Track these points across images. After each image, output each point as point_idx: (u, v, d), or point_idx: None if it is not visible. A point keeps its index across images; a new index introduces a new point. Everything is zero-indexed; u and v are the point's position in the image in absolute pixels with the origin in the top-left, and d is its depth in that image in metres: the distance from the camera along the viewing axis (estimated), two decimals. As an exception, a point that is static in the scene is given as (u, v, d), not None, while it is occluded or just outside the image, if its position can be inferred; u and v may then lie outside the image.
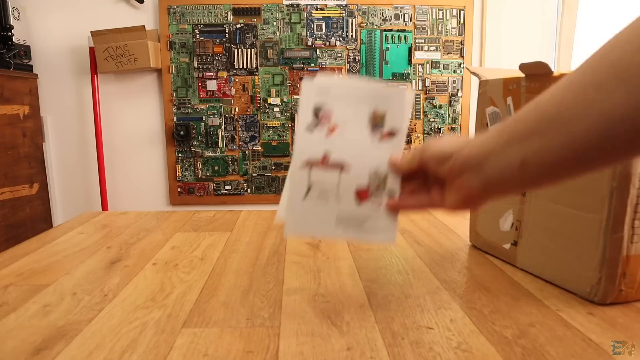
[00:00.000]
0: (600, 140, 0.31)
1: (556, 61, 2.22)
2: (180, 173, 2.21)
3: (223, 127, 2.19)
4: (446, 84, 2.19)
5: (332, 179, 0.49)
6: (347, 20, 2.14)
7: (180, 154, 2.20)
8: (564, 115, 0.32)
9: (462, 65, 2.19)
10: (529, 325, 0.49)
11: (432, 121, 2.21)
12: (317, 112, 0.50)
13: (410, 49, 2.17)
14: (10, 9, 1.91)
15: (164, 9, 2.10)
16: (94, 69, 2.06)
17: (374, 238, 0.46)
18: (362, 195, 0.48)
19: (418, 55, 2.18)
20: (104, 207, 2.15)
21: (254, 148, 2.20)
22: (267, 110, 2.18)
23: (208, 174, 2.22)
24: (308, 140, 0.50)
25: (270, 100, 2.17)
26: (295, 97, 2.18)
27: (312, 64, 2.16)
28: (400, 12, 2.15)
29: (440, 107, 2.21)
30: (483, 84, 0.72)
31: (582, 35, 2.15)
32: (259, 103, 2.17)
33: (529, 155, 0.35)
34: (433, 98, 2.20)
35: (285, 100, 2.18)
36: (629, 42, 0.30)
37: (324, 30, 2.14)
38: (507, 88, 0.66)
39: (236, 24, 2.12)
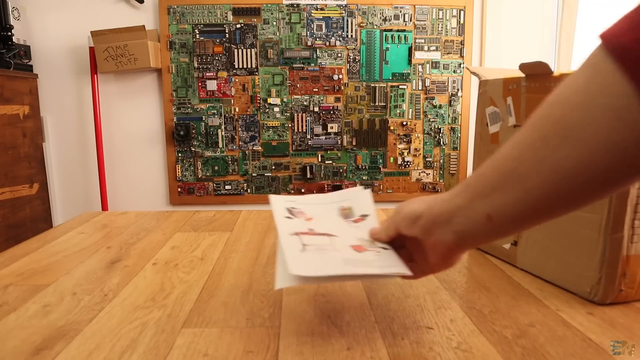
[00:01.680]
0: (553, 194, 0.34)
1: (556, 61, 2.21)
2: (180, 173, 2.21)
3: (223, 127, 2.19)
4: (446, 84, 2.19)
5: (323, 241, 0.49)
6: (347, 20, 2.14)
7: (180, 154, 2.20)
8: (518, 171, 0.35)
9: (462, 65, 2.19)
10: (529, 325, 0.49)
11: (432, 121, 2.21)
12: (291, 212, 0.54)
13: (410, 49, 2.17)
14: (10, 9, 1.91)
15: (164, 9, 2.10)
16: (94, 69, 2.06)
17: (388, 270, 0.45)
18: (358, 249, 0.48)
19: (418, 55, 2.18)
20: (104, 207, 2.15)
21: (254, 148, 2.20)
22: (267, 110, 2.18)
23: (208, 174, 2.22)
24: (290, 223, 0.52)
25: (270, 100, 2.17)
26: (295, 97, 2.18)
27: (312, 64, 2.16)
28: (400, 12, 2.15)
29: (440, 107, 2.21)
30: (483, 84, 0.72)
31: (582, 35, 2.15)
32: (259, 103, 2.17)
33: (493, 209, 0.37)
34: (433, 98, 2.20)
35: (285, 100, 2.18)
36: (567, 100, 0.32)
37: (324, 30, 2.14)
38: (507, 88, 0.66)
39: (236, 24, 2.12)
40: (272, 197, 0.56)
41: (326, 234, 0.50)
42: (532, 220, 0.38)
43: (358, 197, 0.57)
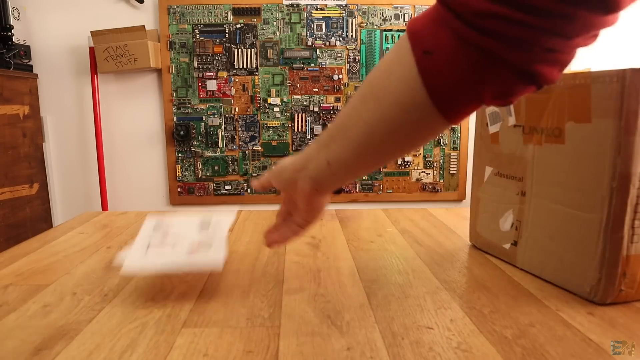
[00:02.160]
0: (367, 142, 0.42)
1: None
2: (180, 173, 2.21)
3: (223, 127, 2.19)
4: (446, 84, 2.19)
5: (166, 249, 0.60)
6: (347, 20, 2.14)
7: (180, 154, 2.20)
8: (345, 124, 0.43)
9: (462, 65, 2.19)
10: (529, 325, 0.49)
11: (432, 121, 2.21)
12: (156, 227, 0.65)
13: (410, 49, 2.17)
14: (10, 9, 1.91)
15: (164, 9, 2.10)
16: (94, 69, 2.06)
17: (201, 267, 0.57)
18: (192, 252, 0.59)
19: (418, 55, 2.18)
20: (104, 207, 2.15)
21: (254, 148, 2.20)
22: (267, 110, 2.18)
23: (208, 174, 2.22)
24: (148, 238, 0.63)
25: (270, 100, 2.17)
26: (295, 97, 2.18)
27: (312, 64, 2.16)
28: (400, 12, 2.15)
29: (440, 107, 2.21)
30: (483, 84, 0.72)
31: (582, 35, 2.14)
32: (259, 103, 2.17)
33: (330, 156, 0.45)
34: (433, 98, 2.20)
35: (285, 100, 2.17)
36: (381, 67, 0.40)
37: (324, 30, 2.14)
38: (507, 88, 0.66)
39: (236, 24, 2.12)
40: (147, 217, 0.68)
41: (171, 244, 0.61)
42: (359, 166, 0.45)
43: (221, 214, 0.70)
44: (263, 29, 2.13)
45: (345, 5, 2.13)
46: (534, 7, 0.31)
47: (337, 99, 2.18)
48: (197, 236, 0.63)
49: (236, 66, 2.14)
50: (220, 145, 2.20)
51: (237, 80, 2.15)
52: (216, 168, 2.21)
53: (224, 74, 2.15)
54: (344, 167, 0.45)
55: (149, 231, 0.64)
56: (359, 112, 0.42)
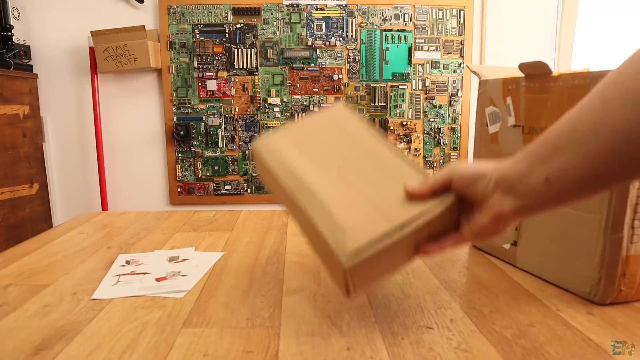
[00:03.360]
0: (612, 157, 0.34)
1: (556, 61, 2.21)
2: (180, 173, 2.21)
3: (223, 127, 2.19)
4: (446, 84, 2.19)
5: (136, 277, 0.63)
6: (347, 20, 2.14)
7: (180, 154, 2.20)
8: (579, 134, 0.35)
9: (462, 65, 2.19)
10: (529, 325, 0.49)
11: (432, 121, 2.21)
12: (127, 262, 0.69)
13: (410, 49, 2.17)
14: (10, 9, 1.91)
15: (164, 9, 2.10)
16: (94, 69, 2.06)
17: (168, 294, 0.58)
18: (160, 279, 0.62)
19: (418, 55, 2.18)
20: (104, 207, 2.14)
21: (254, 148, 2.20)
22: (267, 110, 2.18)
23: (208, 174, 2.22)
24: (120, 269, 0.67)
25: (270, 100, 2.17)
26: (295, 97, 2.18)
27: (312, 64, 2.16)
28: (400, 12, 2.15)
29: (440, 107, 2.21)
30: (483, 83, 0.72)
31: (582, 35, 2.15)
32: (259, 103, 2.17)
33: (551, 172, 0.37)
34: (433, 98, 2.20)
35: (285, 100, 2.17)
36: (632, 65, 0.33)
37: (324, 30, 2.14)
38: (507, 88, 0.66)
39: (236, 24, 2.12)
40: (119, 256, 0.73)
41: (141, 273, 0.64)
42: (591, 186, 0.37)
43: (193, 254, 0.74)
44: (263, 29, 2.13)
45: (345, 5, 2.13)
46: None
47: (337, 99, 2.18)
48: (167, 267, 0.66)
49: (236, 66, 2.14)
50: (220, 145, 2.20)
51: (237, 80, 2.15)
52: (216, 168, 2.21)
53: (224, 74, 2.15)
54: (571, 187, 0.37)
55: (119, 266, 0.68)
56: (599, 118, 0.34)
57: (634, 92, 0.32)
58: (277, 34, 2.13)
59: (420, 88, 2.19)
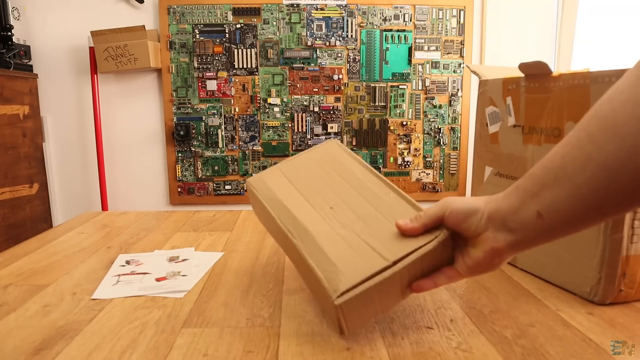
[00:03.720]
0: (602, 191, 0.34)
1: (556, 61, 2.21)
2: (180, 173, 2.21)
3: (223, 127, 2.19)
4: (446, 84, 2.19)
5: (136, 277, 0.63)
6: (347, 20, 2.14)
7: (180, 154, 2.20)
8: (567, 168, 0.35)
9: (462, 65, 2.19)
10: (529, 325, 0.49)
11: (432, 121, 2.21)
12: (127, 262, 0.69)
13: (410, 49, 2.17)
14: (10, 9, 1.91)
15: (164, 9, 2.10)
16: (94, 69, 2.06)
17: (168, 294, 0.57)
18: (160, 279, 0.61)
19: (418, 55, 2.18)
20: (104, 207, 2.14)
21: (254, 148, 2.20)
22: (267, 110, 2.18)
23: (208, 174, 2.22)
24: (120, 269, 0.66)
25: (270, 100, 2.17)
26: (295, 97, 2.18)
27: (312, 64, 2.16)
28: (400, 12, 2.15)
29: (440, 107, 2.21)
30: (483, 84, 0.72)
31: (582, 35, 2.15)
32: (259, 103, 2.17)
33: (542, 207, 0.37)
34: (433, 98, 2.20)
35: (285, 100, 2.17)
36: (614, 98, 0.33)
37: (324, 30, 2.14)
38: (507, 88, 0.66)
39: (236, 24, 2.12)
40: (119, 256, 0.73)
41: (141, 273, 0.64)
42: (583, 219, 0.37)
43: (192, 254, 0.73)
44: (263, 29, 2.13)
45: (345, 5, 2.13)
46: None
47: (337, 99, 2.18)
48: (167, 267, 0.66)
49: (236, 66, 2.14)
50: (220, 145, 2.20)
51: (237, 80, 2.15)
52: (216, 168, 2.21)
53: (224, 74, 2.15)
54: (563, 221, 0.37)
55: (119, 266, 0.67)
56: (587, 152, 0.34)
57: (618, 125, 0.32)
58: (277, 34, 2.13)
59: (420, 88, 2.19)
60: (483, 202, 0.42)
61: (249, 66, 2.15)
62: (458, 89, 2.20)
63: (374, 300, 0.44)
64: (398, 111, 2.20)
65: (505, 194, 0.41)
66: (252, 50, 2.13)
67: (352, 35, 2.15)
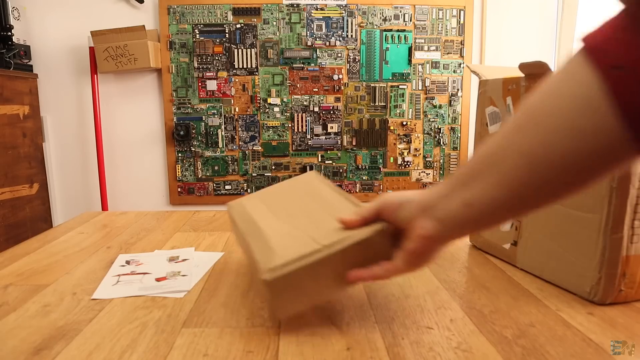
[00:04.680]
0: (526, 179, 0.35)
1: (556, 61, 2.21)
2: (180, 173, 2.21)
3: (223, 127, 2.19)
4: (446, 84, 2.19)
5: (136, 277, 0.63)
6: (347, 20, 2.14)
7: (180, 154, 2.20)
8: (494, 157, 0.37)
9: (462, 65, 2.19)
10: (529, 325, 0.49)
11: (432, 121, 2.21)
12: (127, 262, 0.69)
13: (410, 49, 2.17)
14: (10, 9, 1.91)
15: (164, 9, 2.10)
16: (94, 69, 2.06)
17: (168, 293, 0.57)
18: (160, 279, 0.61)
19: (418, 55, 2.18)
20: (104, 207, 2.14)
21: (254, 148, 2.20)
22: (267, 110, 2.18)
23: (208, 174, 2.22)
24: (120, 269, 0.66)
25: (270, 100, 2.17)
26: (295, 97, 2.18)
27: (312, 64, 2.16)
28: (400, 12, 2.15)
29: (440, 107, 2.21)
30: (483, 83, 0.72)
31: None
32: (259, 103, 2.17)
33: (472, 195, 0.38)
34: (433, 98, 2.20)
35: (285, 100, 2.17)
36: (541, 90, 0.34)
37: (324, 30, 2.14)
38: (507, 88, 0.66)
39: (236, 24, 2.12)
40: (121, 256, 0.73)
41: (141, 273, 0.64)
42: (509, 209, 0.38)
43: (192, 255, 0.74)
44: (263, 29, 2.13)
45: (345, 5, 2.13)
46: None
47: (337, 99, 2.18)
48: (167, 267, 0.66)
49: (236, 66, 2.14)
50: (220, 145, 2.20)
51: (237, 80, 2.15)
52: (216, 168, 2.21)
53: (224, 74, 2.15)
54: (488, 210, 0.38)
55: (119, 266, 0.67)
56: (512, 142, 0.35)
57: (543, 116, 0.33)
58: (277, 34, 2.13)
59: (420, 88, 2.19)
60: (417, 194, 0.44)
61: (249, 66, 2.15)
62: (458, 89, 2.20)
63: (305, 283, 0.46)
64: (398, 111, 2.20)
65: (438, 186, 0.42)
66: (252, 50, 2.13)
67: (352, 35, 2.15)
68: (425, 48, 2.18)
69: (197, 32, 2.11)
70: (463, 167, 0.40)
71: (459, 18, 2.16)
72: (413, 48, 2.17)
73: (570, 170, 0.33)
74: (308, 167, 2.20)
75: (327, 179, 0.63)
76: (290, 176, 2.22)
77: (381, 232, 0.46)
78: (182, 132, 2.15)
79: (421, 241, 0.42)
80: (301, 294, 0.46)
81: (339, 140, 2.21)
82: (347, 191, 2.25)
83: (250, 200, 0.63)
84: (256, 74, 2.15)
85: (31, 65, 2.08)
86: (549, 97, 0.33)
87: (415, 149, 2.23)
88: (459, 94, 2.20)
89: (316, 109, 2.19)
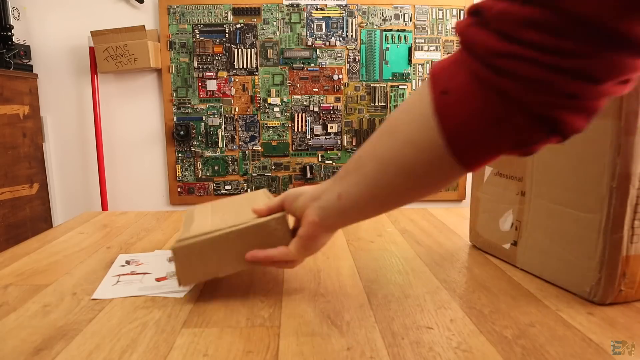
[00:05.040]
0: (380, 179, 0.41)
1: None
2: (180, 173, 2.21)
3: (223, 127, 2.19)
4: (446, 84, 2.19)
5: (136, 277, 0.63)
6: (347, 20, 2.14)
7: (180, 154, 2.20)
8: (360, 159, 0.43)
9: (462, 65, 2.19)
10: (529, 325, 0.49)
11: (432, 121, 2.21)
12: (127, 262, 0.69)
13: (410, 49, 2.17)
14: (10, 9, 1.91)
15: (164, 9, 2.10)
16: (94, 69, 2.06)
17: (167, 294, 0.58)
18: (160, 279, 0.62)
19: (418, 55, 2.18)
20: (104, 207, 2.15)
21: (254, 148, 2.20)
22: (267, 110, 2.18)
23: (208, 174, 2.22)
24: (120, 269, 0.67)
25: (270, 100, 2.17)
26: (295, 97, 2.18)
27: (312, 64, 2.16)
28: (400, 12, 2.15)
29: (440, 107, 2.21)
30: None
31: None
32: (259, 103, 2.17)
33: (341, 189, 0.45)
34: (433, 98, 2.20)
35: (285, 100, 2.18)
36: (401, 105, 0.40)
37: (324, 30, 2.14)
38: (507, 88, 0.66)
39: (236, 24, 2.12)
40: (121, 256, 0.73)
41: (141, 273, 0.65)
42: (370, 205, 0.44)
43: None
44: (263, 29, 2.13)
45: (345, 5, 2.13)
46: (551, 47, 0.28)
47: (337, 99, 2.18)
48: (167, 267, 0.67)
49: (236, 66, 2.14)
50: (220, 145, 2.20)
51: (237, 80, 2.15)
52: (216, 168, 2.21)
53: (224, 74, 2.15)
54: (354, 203, 0.45)
55: (119, 266, 0.68)
56: (375, 147, 0.41)
57: (395, 126, 0.39)
58: (277, 34, 2.13)
59: (420, 88, 2.19)
60: (312, 187, 0.51)
61: (249, 66, 2.15)
62: (458, 89, 2.20)
63: (208, 255, 0.54)
64: (398, 111, 2.20)
65: (326, 181, 0.49)
66: (252, 50, 2.14)
67: (352, 35, 2.15)
68: (425, 48, 2.18)
69: (197, 32, 2.11)
70: (345, 165, 0.46)
71: (459, 18, 2.16)
72: (413, 48, 2.17)
73: (411, 176, 0.39)
74: (308, 167, 2.20)
75: (271, 195, 0.70)
76: (290, 176, 2.22)
77: (277, 219, 0.53)
78: (182, 132, 2.15)
79: (309, 226, 0.49)
80: (204, 264, 0.54)
81: (339, 140, 2.21)
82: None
83: (203, 206, 0.72)
84: (256, 74, 2.15)
85: (31, 65, 2.08)
86: (403, 112, 0.39)
87: (415, 149, 2.23)
88: (459, 94, 2.20)
89: (316, 109, 2.19)
